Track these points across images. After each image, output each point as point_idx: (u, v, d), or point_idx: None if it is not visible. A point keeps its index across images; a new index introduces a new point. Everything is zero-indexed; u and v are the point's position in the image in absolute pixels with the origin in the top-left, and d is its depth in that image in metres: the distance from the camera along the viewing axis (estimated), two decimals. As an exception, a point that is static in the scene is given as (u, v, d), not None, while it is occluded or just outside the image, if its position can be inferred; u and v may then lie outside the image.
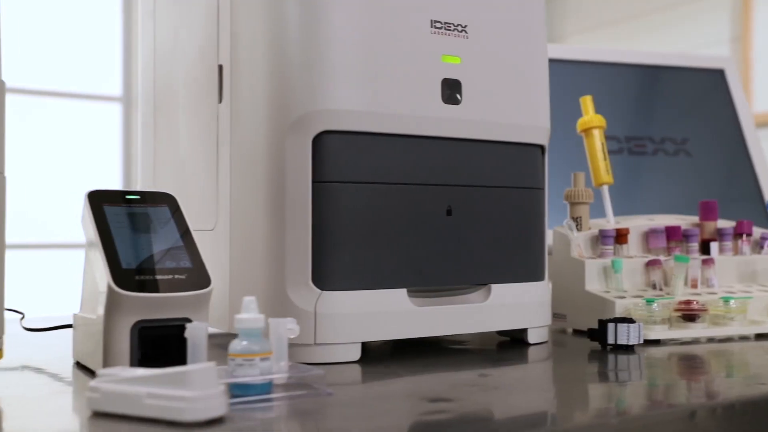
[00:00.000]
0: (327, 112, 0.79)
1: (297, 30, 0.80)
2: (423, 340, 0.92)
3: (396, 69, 0.82)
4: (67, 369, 0.78)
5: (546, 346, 0.92)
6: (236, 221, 0.86)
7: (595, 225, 1.07)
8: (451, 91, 0.85)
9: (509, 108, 0.89)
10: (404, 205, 0.83)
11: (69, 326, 0.90)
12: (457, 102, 0.85)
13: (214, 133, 0.91)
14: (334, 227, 0.79)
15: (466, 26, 0.86)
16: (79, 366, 0.78)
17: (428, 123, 0.84)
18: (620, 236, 1.04)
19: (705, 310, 0.95)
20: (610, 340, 0.87)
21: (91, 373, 0.74)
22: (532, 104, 0.91)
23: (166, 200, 0.80)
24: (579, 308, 1.01)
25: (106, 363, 0.69)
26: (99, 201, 0.77)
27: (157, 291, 0.70)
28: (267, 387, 0.62)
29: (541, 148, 0.93)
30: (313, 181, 0.79)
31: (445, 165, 0.85)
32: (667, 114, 1.39)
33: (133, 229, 0.75)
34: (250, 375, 0.61)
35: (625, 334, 0.86)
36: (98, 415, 0.57)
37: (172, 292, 0.70)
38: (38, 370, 0.77)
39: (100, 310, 0.70)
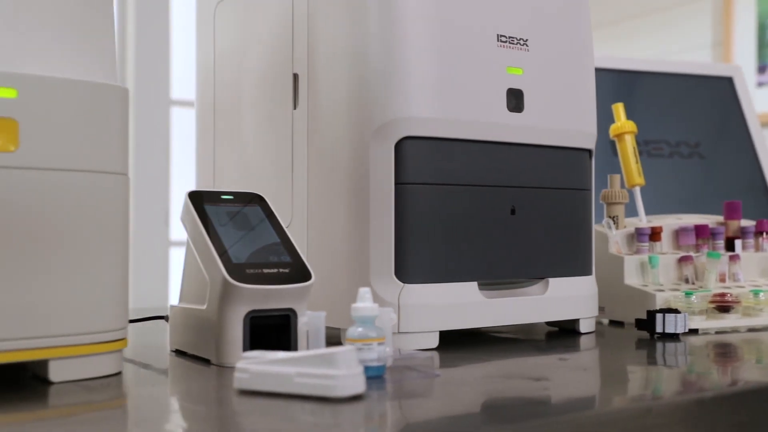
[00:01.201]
0: (408, 119, 0.86)
1: (377, 44, 0.87)
2: (471, 331, 0.99)
3: (467, 79, 0.89)
4: (164, 357, 0.84)
5: (594, 335, 0.99)
6: (315, 219, 0.92)
7: (629, 224, 1.15)
8: (515, 100, 0.92)
9: (564, 115, 0.97)
10: (475, 204, 0.90)
11: (159, 317, 0.96)
12: (520, 110, 0.92)
13: (287, 138, 0.97)
14: (414, 225, 0.86)
15: (527, 40, 0.93)
16: (179, 353, 0.84)
17: (495, 129, 0.91)
18: (654, 234, 1.12)
19: (738, 302, 1.03)
20: (659, 329, 0.94)
21: (196, 359, 0.80)
22: (582, 111, 0.99)
23: (257, 200, 0.86)
24: (618, 301, 1.09)
25: (220, 349, 0.76)
26: (200, 201, 0.83)
27: (265, 283, 0.76)
28: (383, 369, 0.69)
29: (589, 152, 1.01)
30: (396, 183, 0.86)
31: (509, 168, 0.92)
32: (682, 119, 1.47)
33: (234, 227, 0.82)
34: (369, 359, 0.68)
35: (673, 324, 0.94)
36: (246, 393, 0.63)
37: (279, 284, 0.77)
38: (143, 357, 0.83)
39: (211, 302, 0.77)
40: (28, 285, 0.65)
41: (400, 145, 0.86)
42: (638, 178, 1.17)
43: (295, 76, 0.96)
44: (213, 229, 0.80)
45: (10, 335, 0.65)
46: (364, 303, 0.70)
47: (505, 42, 0.92)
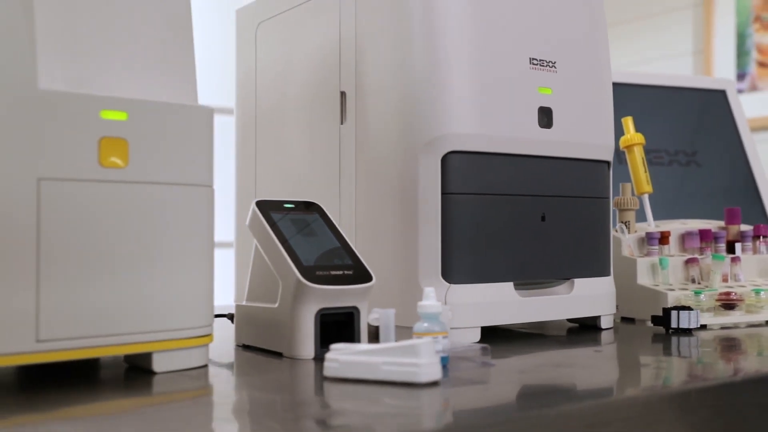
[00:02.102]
0: (453, 135, 0.95)
1: (423, 67, 0.96)
2: (498, 328, 1.08)
3: (504, 99, 0.98)
4: (230, 350, 0.92)
5: (613, 331, 1.09)
6: (363, 225, 1.01)
7: (639, 228, 1.25)
8: (545, 117, 1.01)
9: (587, 130, 1.06)
10: (511, 212, 0.99)
11: (221, 315, 1.04)
12: (550, 126, 1.02)
13: (334, 150, 1.06)
14: (459, 231, 0.95)
15: (555, 62, 1.03)
16: (245, 347, 0.92)
17: (528, 144, 1.00)
18: (663, 238, 1.22)
19: (742, 300, 1.13)
20: (674, 324, 1.04)
21: (265, 352, 0.88)
22: (602, 126, 1.09)
23: (315, 208, 0.95)
24: (630, 299, 1.18)
25: (293, 343, 0.84)
26: (266, 209, 0.92)
27: (334, 284, 0.85)
28: (447, 359, 0.78)
29: (608, 163, 1.10)
30: (442, 193, 0.95)
31: (540, 179, 1.02)
32: (680, 129, 1.58)
33: (298, 233, 0.90)
34: (436, 350, 0.77)
35: (687, 320, 1.03)
36: (333, 380, 0.72)
37: (345, 284, 0.85)
38: (212, 351, 0.91)
39: (284, 300, 0.85)
40: (135, 287, 0.74)
41: (446, 159, 0.95)
42: (647, 186, 1.27)
43: (343, 94, 1.04)
44: (282, 236, 0.89)
45: (122, 331, 0.73)
46: (430, 301, 0.79)
47: (537, 64, 1.01)
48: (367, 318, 0.88)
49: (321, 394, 0.70)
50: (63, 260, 0.70)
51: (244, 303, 0.94)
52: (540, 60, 1.02)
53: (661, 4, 3.76)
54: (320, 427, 0.59)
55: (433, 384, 0.70)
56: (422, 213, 0.95)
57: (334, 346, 0.74)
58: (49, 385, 0.72)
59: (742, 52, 3.52)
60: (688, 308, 1.04)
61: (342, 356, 0.72)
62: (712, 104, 1.62)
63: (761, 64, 3.44)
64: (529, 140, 1.00)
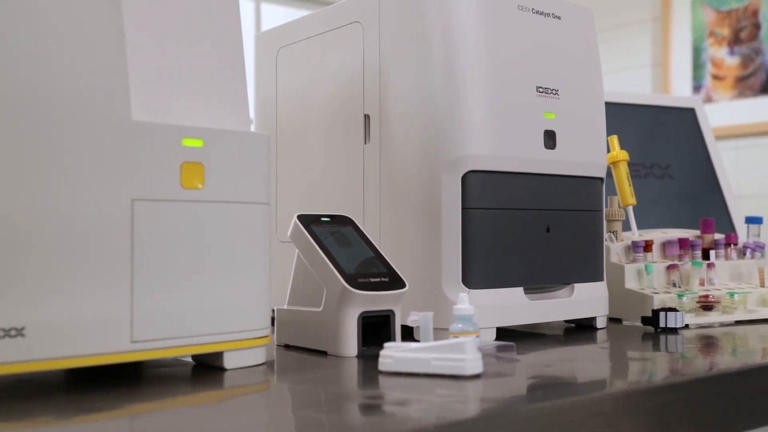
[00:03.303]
0: (472, 156, 1.06)
1: (443, 95, 1.07)
2: (502, 329, 1.20)
3: (515, 123, 1.10)
4: (272, 349, 1.02)
5: (607, 330, 1.21)
6: (387, 237, 1.12)
7: (625, 237, 1.38)
8: (550, 139, 1.13)
9: (584, 150, 1.18)
10: (521, 224, 1.11)
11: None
12: (553, 147, 1.14)
13: (358, 168, 1.16)
14: (477, 242, 1.07)
15: (558, 90, 1.15)
16: (287, 347, 1.03)
17: (535, 163, 1.12)
18: (647, 246, 1.35)
19: (718, 302, 1.26)
20: (662, 324, 1.17)
21: (307, 351, 0.99)
22: (596, 146, 1.21)
23: (349, 222, 1.06)
24: (618, 302, 1.31)
25: (338, 342, 0.95)
26: (306, 222, 1.02)
27: (374, 290, 0.96)
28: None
29: (601, 179, 1.23)
30: (463, 208, 1.06)
31: (545, 194, 1.14)
32: (654, 144, 1.72)
33: (337, 244, 1.01)
34: (470, 347, 0.88)
35: (674, 320, 1.16)
36: (388, 373, 0.82)
37: (384, 290, 0.96)
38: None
39: (328, 304, 0.96)
40: (210, 294, 0.84)
41: (465, 177, 1.06)
42: (631, 199, 1.40)
43: (366, 117, 1.15)
44: (324, 246, 0.99)
45: (200, 332, 0.83)
46: (464, 305, 0.90)
47: (542, 92, 1.13)
48: (400, 320, 0.99)
49: (376, 386, 0.80)
50: (152, 271, 0.80)
51: (285, 307, 1.04)
52: (545, 88, 1.14)
53: (621, 19, 3.93)
54: (388, 409, 0.69)
55: (476, 377, 0.81)
56: (445, 226, 1.06)
57: (387, 345, 0.84)
58: (135, 382, 0.81)
59: (697, 66, 3.70)
60: (674, 309, 1.17)
61: (396, 353, 0.82)
62: (683, 120, 1.76)
63: (716, 77, 3.62)
64: (536, 160, 1.12)
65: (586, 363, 0.93)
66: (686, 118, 1.76)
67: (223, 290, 0.85)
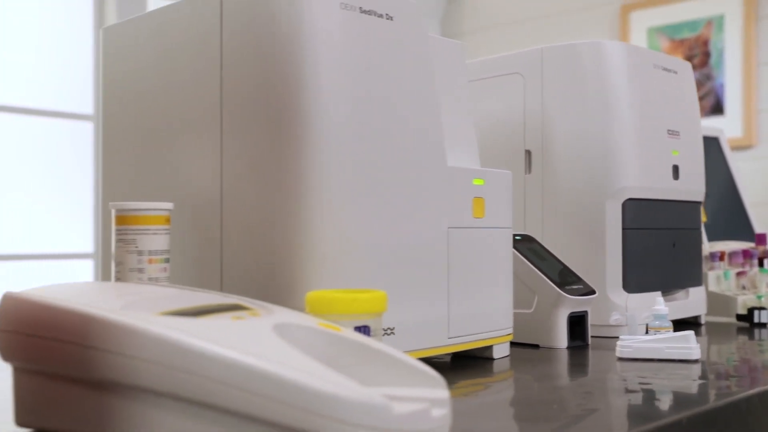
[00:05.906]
0: (630, 187, 1.33)
1: (602, 137, 1.33)
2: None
3: (654, 160, 1.37)
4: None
5: (705, 326, 1.50)
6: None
7: (698, 249, 1.67)
8: (675, 172, 1.41)
9: (694, 179, 1.46)
10: (660, 241, 1.38)
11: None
12: (677, 178, 1.41)
13: (519, 194, 1.41)
14: (633, 255, 1.33)
15: (679, 131, 1.43)
16: (490, 343, 1.26)
17: (667, 191, 1.39)
18: (722, 256, 1.64)
19: (786, 302, 1.57)
20: (756, 320, 1.46)
21: (518, 345, 1.23)
22: (699, 176, 1.49)
23: (533, 240, 1.30)
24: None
25: (551, 337, 1.19)
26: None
27: (577, 295, 1.21)
28: (675, 345, 1.15)
29: (701, 203, 1.51)
30: (623, 228, 1.32)
31: (672, 217, 1.41)
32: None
33: (534, 257, 1.25)
34: (670, 339, 1.14)
35: (766, 317, 1.45)
36: (625, 360, 1.07)
37: (583, 295, 1.21)
38: (475, 346, 1.25)
39: (540, 306, 1.20)
40: (489, 299, 1.07)
41: (624, 204, 1.32)
42: (703, 217, 1.69)
43: (527, 152, 1.40)
44: (531, 260, 1.23)
45: (483, 330, 1.06)
46: (660, 306, 1.16)
47: (671, 133, 1.41)
48: (589, 319, 1.24)
49: (613, 369, 1.05)
50: (460, 281, 1.02)
51: (488, 310, 1.28)
52: (673, 130, 1.41)
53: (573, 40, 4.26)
54: (641, 387, 0.95)
55: (697, 361, 1.07)
56: (609, 243, 1.32)
57: (623, 337, 1.10)
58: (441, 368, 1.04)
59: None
60: (763, 308, 1.47)
61: (635, 343, 1.08)
62: (710, 149, 2.07)
63: (669, 98, 4.02)
64: (667, 188, 1.39)
65: (760, 355, 1.21)
66: (712, 146, 2.07)
67: (495, 297, 1.08)
